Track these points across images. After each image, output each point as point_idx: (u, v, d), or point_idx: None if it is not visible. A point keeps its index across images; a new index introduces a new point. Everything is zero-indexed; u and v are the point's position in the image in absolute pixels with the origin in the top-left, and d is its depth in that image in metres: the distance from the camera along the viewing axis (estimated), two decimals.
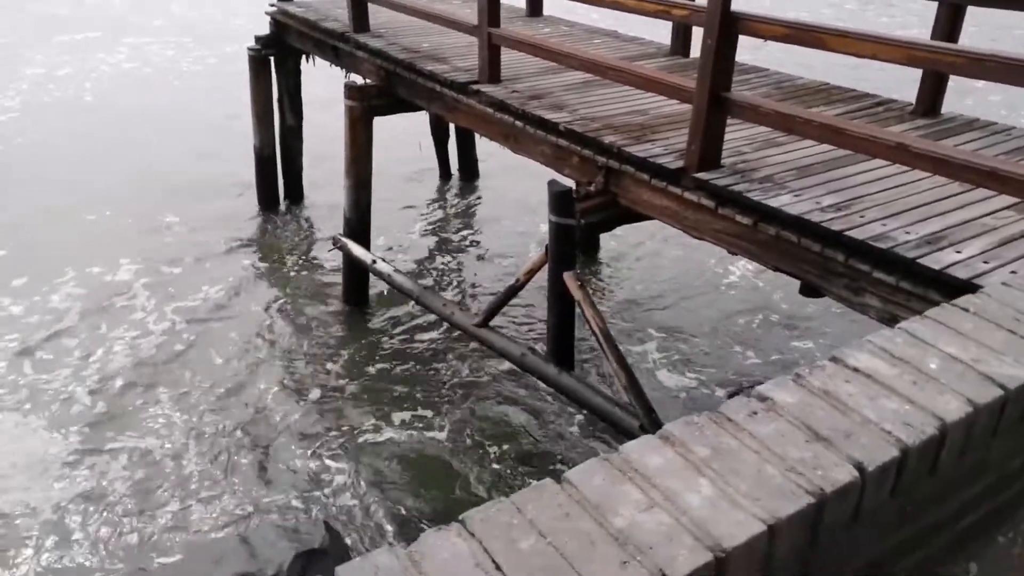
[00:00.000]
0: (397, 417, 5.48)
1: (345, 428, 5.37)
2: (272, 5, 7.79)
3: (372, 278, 6.61)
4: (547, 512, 1.19)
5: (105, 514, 4.62)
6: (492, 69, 5.22)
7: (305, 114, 8.53)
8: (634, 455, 1.30)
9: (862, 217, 3.33)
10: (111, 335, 6.36)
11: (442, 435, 5.31)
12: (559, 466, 5.04)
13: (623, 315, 6.71)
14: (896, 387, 1.48)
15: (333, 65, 7.16)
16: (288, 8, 7.54)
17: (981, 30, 13.06)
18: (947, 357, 1.59)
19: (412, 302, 6.20)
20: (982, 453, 1.57)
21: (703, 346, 6.32)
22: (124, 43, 16.14)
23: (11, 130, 11.05)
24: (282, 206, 8.78)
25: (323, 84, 8.97)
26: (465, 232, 8.52)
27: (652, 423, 4.16)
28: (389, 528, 4.56)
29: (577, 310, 4.61)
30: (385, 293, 6.84)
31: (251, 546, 4.43)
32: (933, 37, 4.36)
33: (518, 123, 4.86)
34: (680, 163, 3.93)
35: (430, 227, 8.57)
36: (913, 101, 4.77)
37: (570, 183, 4.59)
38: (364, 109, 6.22)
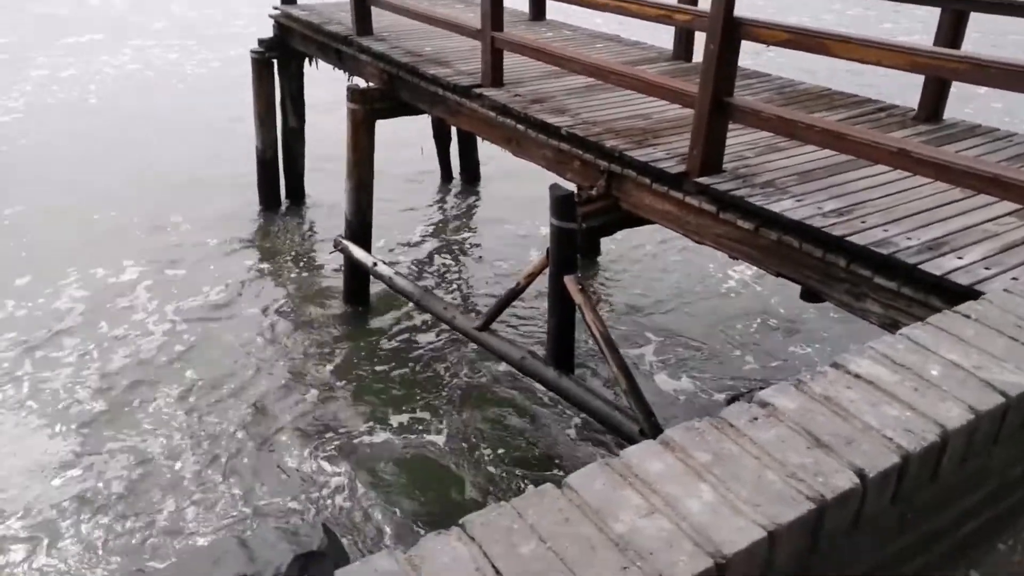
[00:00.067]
0: (396, 419, 5.48)
1: (344, 430, 5.37)
2: (276, 8, 7.82)
3: (372, 279, 6.61)
4: (547, 517, 1.18)
5: (103, 515, 4.62)
6: (495, 73, 5.23)
7: (307, 117, 8.55)
8: (635, 460, 1.30)
9: (863, 222, 3.33)
10: (112, 335, 6.37)
11: (440, 438, 5.31)
12: (557, 471, 5.03)
13: (622, 319, 6.71)
14: (897, 394, 1.48)
15: (336, 68, 7.18)
16: (292, 11, 7.56)
17: (984, 36, 13.06)
18: (948, 364, 1.59)
19: (412, 304, 6.20)
20: (983, 460, 1.57)
21: (702, 350, 6.31)
22: (128, 45, 16.19)
23: (15, 131, 11.08)
24: (283, 208, 8.80)
25: (326, 87, 8.98)
26: (466, 235, 8.52)
27: (652, 427, 4.15)
28: (387, 530, 4.55)
29: (577, 314, 4.61)
30: (385, 295, 6.84)
31: (249, 548, 4.43)
32: (936, 43, 4.36)
33: (520, 127, 4.87)
34: (682, 167, 3.93)
35: (431, 229, 8.58)
36: (915, 107, 4.78)
37: (572, 187, 4.59)
38: (366, 112, 6.23)
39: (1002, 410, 1.49)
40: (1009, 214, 3.35)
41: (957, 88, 4.59)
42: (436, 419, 5.49)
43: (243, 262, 7.65)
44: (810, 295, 3.66)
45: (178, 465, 5.02)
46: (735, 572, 1.13)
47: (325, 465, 5.05)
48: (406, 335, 6.50)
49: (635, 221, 4.45)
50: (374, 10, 6.50)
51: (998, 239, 3.19)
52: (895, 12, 18.97)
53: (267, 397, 5.69)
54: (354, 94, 6.19)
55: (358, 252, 6.43)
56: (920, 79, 4.50)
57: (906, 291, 3.06)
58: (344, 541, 4.42)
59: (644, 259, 7.80)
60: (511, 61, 5.37)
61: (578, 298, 4.47)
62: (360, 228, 6.68)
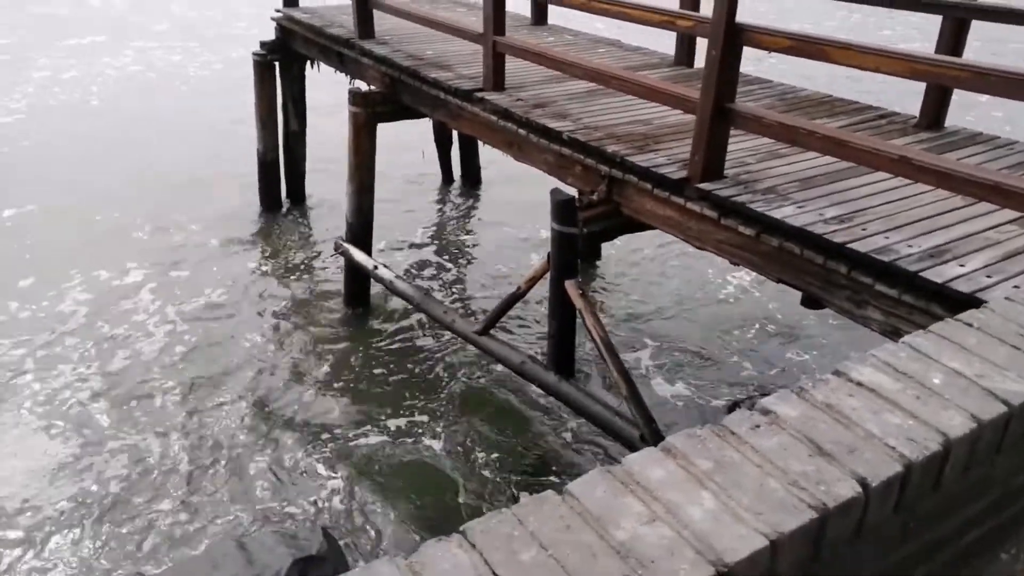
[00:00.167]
0: (393, 423, 5.47)
1: (343, 433, 5.36)
2: (278, 11, 7.83)
3: (373, 282, 6.61)
4: (548, 524, 1.18)
5: (102, 517, 4.61)
6: (496, 77, 5.24)
7: (308, 119, 8.56)
8: (636, 467, 1.29)
9: (864, 230, 3.33)
10: (113, 336, 6.37)
11: (438, 442, 5.30)
12: (553, 477, 5.02)
13: (621, 324, 6.71)
14: (900, 402, 1.48)
15: (338, 71, 7.19)
16: (294, 14, 7.58)
17: (985, 44, 13.09)
18: (951, 372, 1.58)
19: (412, 307, 6.20)
20: (986, 469, 1.56)
21: (701, 356, 6.31)
22: (129, 47, 16.22)
23: (17, 132, 11.09)
24: (285, 210, 8.81)
25: (327, 90, 9.00)
26: (466, 238, 8.53)
27: (652, 433, 4.15)
28: (384, 535, 4.54)
29: (578, 319, 4.61)
30: (386, 297, 6.84)
31: (248, 552, 4.40)
32: (937, 51, 4.38)
33: (522, 131, 4.87)
34: (683, 173, 3.93)
35: (432, 232, 8.59)
36: (916, 114, 4.78)
37: (573, 192, 4.59)
38: (368, 115, 6.24)
39: (1005, 419, 1.49)
40: (1010, 222, 3.35)
41: (958, 96, 4.60)
42: (434, 422, 5.48)
43: (244, 264, 7.65)
44: (811, 302, 3.67)
45: (177, 467, 5.01)
46: None
47: (324, 468, 5.04)
48: (406, 338, 6.49)
49: (636, 226, 4.45)
50: (376, 13, 6.51)
51: (999, 247, 3.19)
52: (890, 18, 19.05)
53: (267, 399, 5.69)
54: (356, 97, 6.19)
55: (359, 255, 6.43)
56: (921, 86, 4.50)
57: (907, 298, 3.06)
58: (340, 543, 4.40)
59: (643, 264, 7.80)
60: (513, 65, 5.38)
61: (579, 303, 4.47)
62: (361, 231, 6.68)
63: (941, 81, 3.86)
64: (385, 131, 6.46)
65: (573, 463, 5.16)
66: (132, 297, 6.95)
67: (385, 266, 6.29)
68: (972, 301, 2.77)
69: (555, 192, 4.41)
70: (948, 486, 1.46)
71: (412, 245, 8.21)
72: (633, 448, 4.16)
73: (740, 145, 4.20)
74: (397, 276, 6.11)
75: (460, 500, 4.81)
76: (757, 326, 6.75)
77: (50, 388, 5.73)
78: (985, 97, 10.17)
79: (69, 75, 14.10)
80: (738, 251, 3.74)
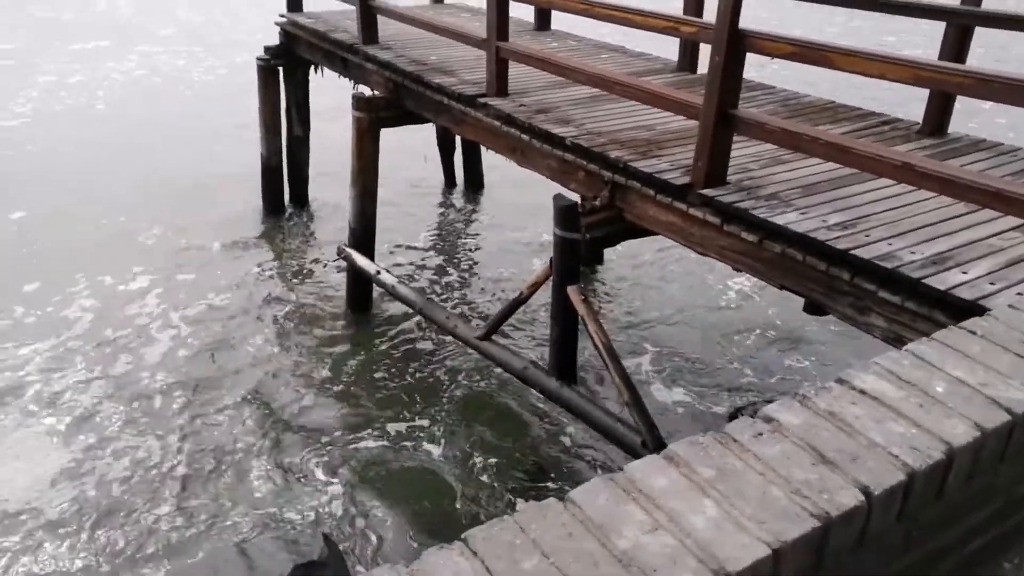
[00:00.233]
0: (395, 428, 5.47)
1: (344, 437, 5.36)
2: (282, 16, 7.86)
3: (375, 286, 6.62)
4: (550, 532, 1.18)
5: (102, 521, 4.60)
6: (500, 83, 5.25)
7: (312, 124, 8.59)
8: (638, 475, 1.29)
9: (868, 236, 3.33)
10: (117, 341, 6.37)
11: (440, 447, 5.30)
12: (552, 481, 5.01)
13: (620, 329, 6.70)
14: (903, 410, 1.47)
15: (342, 76, 7.21)
16: (298, 19, 7.61)
17: (988, 51, 13.09)
18: (954, 380, 1.58)
19: (414, 312, 6.20)
20: (989, 478, 1.56)
21: (700, 362, 6.30)
22: (134, 51, 16.29)
23: (23, 136, 11.13)
24: (288, 214, 8.83)
25: (331, 95, 9.02)
26: (469, 243, 8.54)
27: (654, 440, 4.14)
28: (386, 540, 4.53)
29: (580, 324, 4.61)
30: (388, 302, 6.84)
31: (249, 557, 4.41)
32: (941, 57, 4.37)
33: (525, 137, 4.88)
34: (686, 179, 3.93)
35: (434, 236, 8.60)
36: (918, 120, 4.78)
37: (576, 197, 4.59)
38: (371, 121, 6.25)
39: (1008, 427, 1.48)
40: (1013, 229, 3.35)
41: (961, 103, 4.60)
42: (435, 427, 5.48)
43: (247, 268, 7.66)
44: (814, 308, 3.66)
45: (179, 471, 5.01)
46: None
47: (325, 473, 5.03)
48: (407, 343, 6.49)
49: (639, 232, 4.45)
50: (380, 19, 6.53)
51: (1002, 254, 3.18)
52: (884, 22, 19.04)
53: (269, 404, 5.69)
54: (359, 102, 6.21)
55: (361, 260, 6.44)
56: (922, 92, 4.50)
57: (910, 305, 3.05)
58: (341, 549, 4.40)
59: (643, 269, 7.80)
60: (516, 71, 5.39)
61: (581, 308, 4.47)
62: (364, 236, 6.69)
63: (945, 88, 3.86)
64: (388, 136, 6.48)
65: (572, 469, 5.15)
66: (137, 301, 6.96)
67: (387, 271, 6.29)
68: (975, 308, 2.76)
69: (558, 197, 4.42)
70: (951, 495, 1.45)
71: (415, 249, 8.22)
72: (635, 455, 4.15)
73: (743, 151, 4.20)
74: (399, 281, 6.11)
75: (461, 506, 4.80)
76: (757, 332, 6.74)
77: (53, 391, 5.73)
78: (988, 104, 10.16)
79: (74, 79, 14.16)
80: (741, 257, 3.74)
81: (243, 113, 10.88)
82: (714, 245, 3.86)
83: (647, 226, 4.26)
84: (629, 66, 6.30)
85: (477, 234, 8.74)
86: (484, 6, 5.29)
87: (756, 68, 5.43)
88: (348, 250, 6.58)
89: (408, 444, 5.32)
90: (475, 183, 9.71)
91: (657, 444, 4.10)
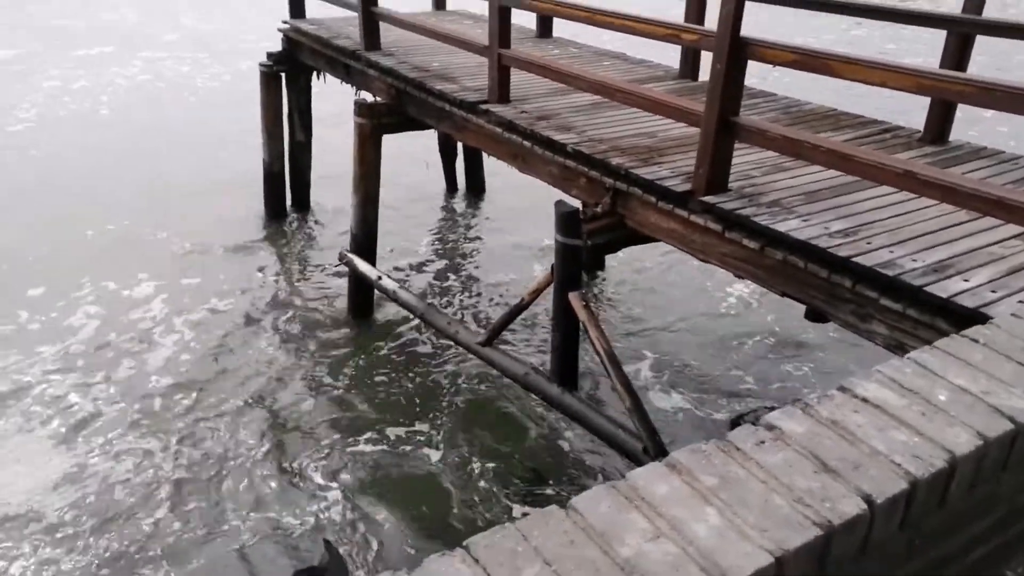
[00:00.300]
0: (395, 433, 5.47)
1: (347, 443, 5.35)
2: (285, 22, 7.89)
3: (377, 292, 6.63)
4: (552, 539, 1.17)
5: (103, 526, 4.60)
6: (501, 89, 5.26)
7: (314, 130, 8.61)
8: (640, 483, 1.29)
9: (869, 243, 3.33)
10: (120, 346, 6.38)
11: (440, 452, 5.30)
12: (552, 486, 5.00)
13: (620, 335, 6.70)
14: (905, 418, 1.47)
15: (344, 82, 7.24)
16: (301, 25, 7.64)
17: (991, 59, 13.12)
18: (956, 389, 1.58)
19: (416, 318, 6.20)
20: (992, 487, 1.55)
21: (699, 368, 6.30)
22: (139, 57, 16.35)
23: (27, 141, 11.17)
24: (290, 220, 8.85)
25: (333, 101, 9.05)
26: (470, 248, 8.55)
27: (655, 446, 4.13)
28: (387, 546, 4.52)
29: (581, 330, 4.61)
30: (389, 307, 6.85)
31: (250, 563, 4.41)
32: (942, 65, 4.38)
33: (526, 143, 4.89)
34: (687, 186, 3.94)
35: (436, 241, 8.61)
36: (920, 128, 4.79)
37: (577, 204, 4.60)
38: (374, 127, 6.27)
39: (1011, 436, 1.48)
40: (1015, 237, 3.35)
41: (962, 111, 4.61)
42: (436, 432, 5.48)
43: (249, 273, 7.67)
44: (815, 315, 3.66)
45: (179, 477, 5.00)
46: None
47: (327, 479, 5.03)
48: (409, 348, 6.50)
49: (640, 239, 4.45)
50: (382, 25, 6.56)
51: (1004, 262, 3.18)
52: (880, 29, 19.10)
53: (270, 409, 5.69)
54: (361, 108, 6.23)
55: (363, 266, 6.45)
56: (923, 100, 4.51)
57: (912, 313, 3.05)
58: (342, 553, 4.39)
59: (644, 275, 7.81)
60: (518, 78, 5.41)
61: (582, 315, 4.47)
62: (366, 242, 6.70)
63: (946, 96, 3.87)
64: (390, 141, 6.50)
65: (571, 474, 5.15)
66: (140, 306, 6.98)
67: (389, 276, 6.30)
68: (976, 316, 2.76)
69: (559, 204, 4.42)
70: (954, 503, 1.45)
71: (416, 255, 8.24)
72: (636, 461, 4.15)
73: (744, 158, 4.20)
74: (401, 286, 6.12)
75: (460, 512, 4.80)
76: (757, 338, 6.74)
77: (56, 395, 5.74)
78: (990, 112, 10.18)
79: (79, 85, 14.21)
80: (742, 264, 3.74)
81: (247, 119, 10.91)
82: (715, 252, 3.86)
83: (648, 233, 4.27)
84: (631, 73, 6.32)
85: (478, 239, 8.75)
86: (486, 13, 5.31)
87: (758, 77, 5.42)
88: (350, 255, 6.59)
89: (409, 449, 5.32)
90: (477, 188, 9.73)
91: (658, 450, 4.10)
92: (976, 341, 1.78)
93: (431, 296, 7.35)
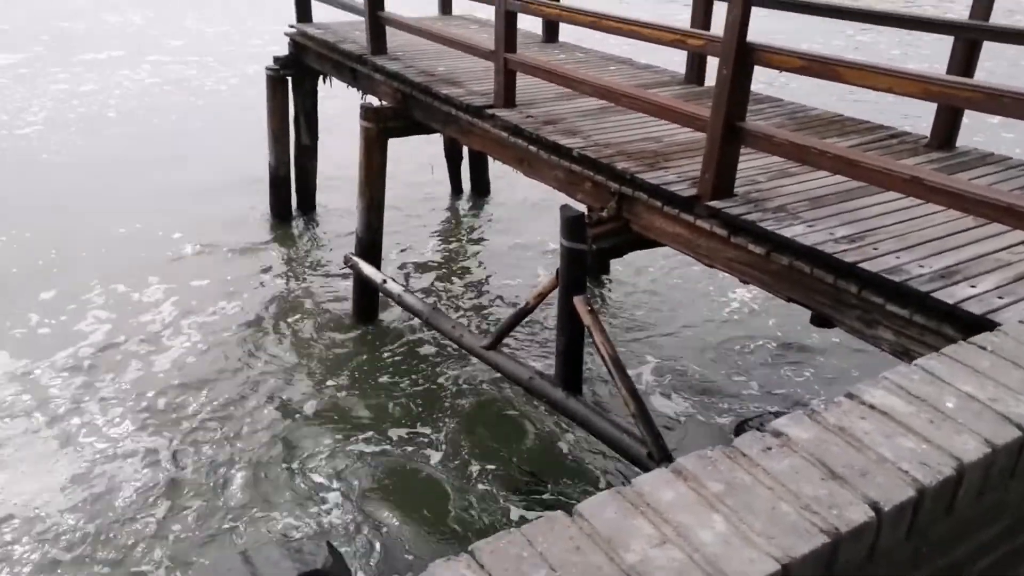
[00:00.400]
0: (399, 436, 5.47)
1: (350, 446, 5.36)
2: (291, 26, 7.93)
3: (382, 295, 6.64)
4: (558, 545, 1.17)
5: (108, 528, 4.61)
6: (507, 94, 5.27)
7: (319, 133, 8.65)
8: (646, 488, 1.28)
9: (876, 249, 3.32)
10: (128, 348, 6.41)
11: (444, 455, 5.30)
12: (550, 492, 4.99)
13: (623, 339, 6.69)
14: (913, 425, 1.46)
15: (350, 86, 7.26)
16: (307, 30, 7.67)
17: (997, 65, 13.09)
18: (964, 396, 1.57)
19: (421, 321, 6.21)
20: (1000, 494, 1.54)
21: (703, 373, 6.29)
22: (147, 61, 16.44)
23: (36, 144, 11.24)
24: (295, 223, 8.87)
25: (339, 104, 9.08)
26: (475, 251, 8.56)
27: (660, 450, 4.12)
28: (391, 549, 4.52)
29: (586, 335, 4.60)
30: (394, 310, 6.86)
31: (253, 565, 4.40)
32: (949, 72, 4.37)
33: (532, 148, 4.90)
34: (693, 191, 3.93)
35: (441, 246, 8.62)
36: (927, 134, 4.78)
37: (582, 208, 4.60)
38: (380, 131, 6.28)
39: (1019, 444, 1.47)
40: (1022, 243, 3.34)
41: (967, 117, 4.60)
42: (439, 435, 5.48)
43: (254, 276, 7.70)
44: (821, 321, 3.65)
45: (183, 479, 5.01)
46: None
47: (329, 481, 5.03)
48: (413, 351, 6.50)
49: (645, 243, 4.45)
50: (389, 30, 6.58)
51: (1011, 268, 3.17)
52: (886, 34, 19.08)
53: (273, 411, 5.70)
54: (367, 112, 6.25)
55: (368, 269, 6.46)
56: (929, 105, 4.50)
57: (918, 319, 3.04)
58: (345, 556, 4.39)
59: (647, 280, 7.80)
60: (524, 82, 5.42)
61: (587, 319, 4.47)
62: (371, 245, 6.71)
63: (954, 102, 3.86)
64: (396, 145, 6.51)
65: (573, 477, 5.14)
66: (149, 309, 7.01)
67: (394, 280, 6.31)
68: (983, 322, 2.75)
69: (565, 208, 4.42)
70: (961, 511, 1.44)
71: (421, 258, 8.25)
72: (641, 466, 4.14)
73: (750, 163, 4.20)
74: (406, 290, 6.13)
75: (464, 515, 4.79)
76: (759, 343, 6.73)
77: (63, 397, 5.76)
78: (996, 118, 10.15)
79: (87, 88, 14.29)
80: (748, 269, 3.74)
81: (253, 123, 10.98)
82: (721, 257, 3.85)
83: (654, 237, 4.26)
84: (637, 78, 6.32)
85: (483, 242, 8.76)
86: (492, 18, 5.33)
87: (764, 82, 5.43)
88: (355, 259, 6.60)
89: (413, 452, 5.32)
90: (482, 191, 9.74)
91: (662, 455, 4.09)
92: (984, 348, 1.77)
93: (435, 299, 7.36)
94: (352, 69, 6.93)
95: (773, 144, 3.73)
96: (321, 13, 7.94)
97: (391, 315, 6.94)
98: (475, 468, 5.17)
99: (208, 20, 21.18)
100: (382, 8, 6.45)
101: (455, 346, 6.00)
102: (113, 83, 14.67)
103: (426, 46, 6.74)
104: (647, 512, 1.23)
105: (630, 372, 6.02)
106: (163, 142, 11.35)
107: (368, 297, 6.81)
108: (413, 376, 6.16)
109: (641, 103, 4.44)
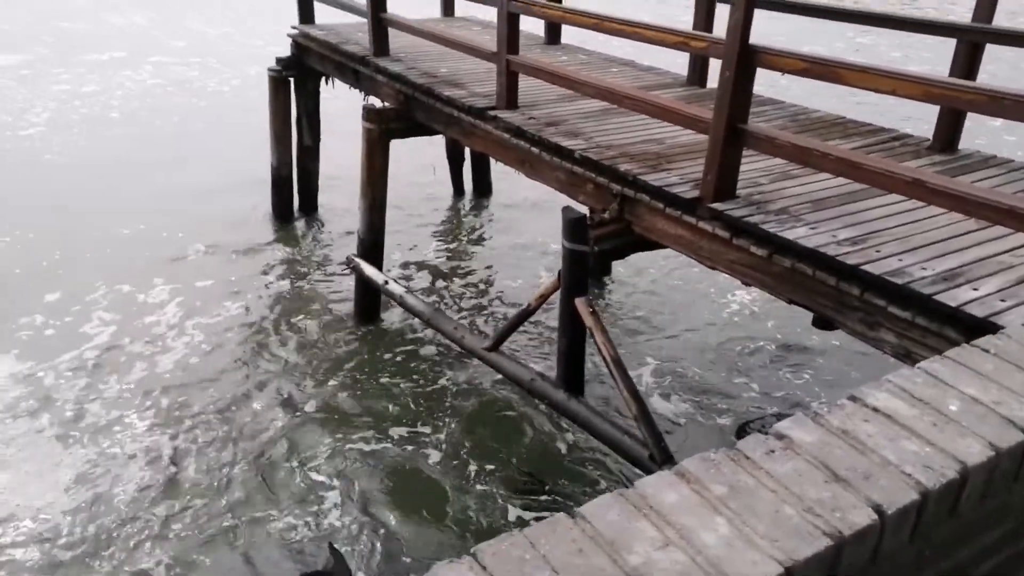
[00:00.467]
0: (400, 436, 5.47)
1: (351, 447, 5.36)
2: (294, 28, 7.94)
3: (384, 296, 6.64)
4: (561, 547, 1.17)
5: (108, 529, 4.61)
6: (509, 95, 5.28)
7: (321, 135, 8.66)
8: (649, 491, 1.28)
9: (878, 252, 3.32)
10: (132, 349, 6.41)
11: (445, 456, 5.30)
12: (550, 494, 4.99)
13: (623, 340, 6.69)
14: (916, 428, 1.46)
15: (352, 88, 7.27)
16: (310, 31, 7.68)
17: (1000, 68, 13.08)
18: (967, 399, 1.57)
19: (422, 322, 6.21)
20: (1003, 497, 1.54)
21: (705, 375, 6.28)
22: (149, 62, 16.46)
23: (39, 146, 11.25)
24: (297, 224, 8.88)
25: (341, 105, 9.09)
26: (477, 252, 8.56)
27: (661, 452, 4.12)
28: (393, 551, 4.52)
29: (588, 336, 4.60)
30: (396, 311, 6.86)
31: (254, 566, 4.41)
32: (951, 74, 4.37)
33: (534, 149, 4.90)
34: (695, 193, 3.93)
35: (443, 247, 8.62)
36: (929, 136, 4.77)
37: (584, 210, 4.60)
38: (382, 132, 6.29)
39: (1022, 447, 1.47)
40: None
41: (969, 120, 4.59)
42: (440, 436, 5.48)
43: (256, 276, 7.70)
44: (823, 323, 3.64)
45: (184, 479, 5.01)
46: None
47: (332, 482, 5.03)
48: (414, 352, 6.51)
49: (647, 245, 4.45)
50: (391, 31, 6.59)
51: (1013, 271, 3.17)
52: (887, 36, 19.08)
53: (274, 412, 5.70)
54: (370, 114, 6.25)
55: (369, 270, 6.46)
56: (931, 108, 4.49)
57: (920, 321, 3.04)
58: (346, 557, 4.39)
59: (647, 281, 7.80)
60: (526, 84, 5.42)
61: (589, 320, 4.47)
62: (372, 246, 6.72)
63: (956, 104, 3.85)
64: (398, 146, 6.52)
65: (573, 479, 5.14)
66: (154, 310, 7.02)
67: (395, 281, 6.31)
68: (986, 325, 2.75)
69: (567, 210, 4.43)
70: (965, 514, 1.44)
71: (423, 258, 8.25)
72: (642, 467, 4.14)
73: (753, 165, 4.20)
74: (407, 291, 6.13)
75: (465, 515, 4.79)
76: (760, 345, 6.73)
77: (67, 399, 5.76)
78: (999, 121, 10.14)
79: (89, 89, 14.31)
80: (750, 271, 3.73)
81: (255, 124, 10.98)
82: (723, 259, 3.85)
83: (656, 239, 4.26)
84: (639, 80, 6.33)
85: (484, 243, 8.77)
86: (495, 20, 5.33)
87: (767, 84, 5.43)
88: (357, 260, 6.61)
89: (413, 452, 5.32)
90: (483, 192, 9.75)
91: (664, 457, 4.09)
92: (987, 351, 1.77)
93: (437, 299, 7.36)
94: (354, 70, 6.94)
95: (775, 146, 3.73)
96: (323, 14, 7.96)
97: (393, 316, 6.95)
98: (475, 468, 5.17)
99: (209, 21, 21.23)
100: (384, 10, 6.46)
101: (456, 347, 6.01)
102: (115, 84, 14.69)
103: (428, 48, 6.74)
104: (650, 514, 1.23)
105: (632, 373, 6.04)
106: (166, 143, 11.37)
107: (370, 298, 6.81)
108: (414, 377, 6.16)
109: (643, 105, 4.44)
